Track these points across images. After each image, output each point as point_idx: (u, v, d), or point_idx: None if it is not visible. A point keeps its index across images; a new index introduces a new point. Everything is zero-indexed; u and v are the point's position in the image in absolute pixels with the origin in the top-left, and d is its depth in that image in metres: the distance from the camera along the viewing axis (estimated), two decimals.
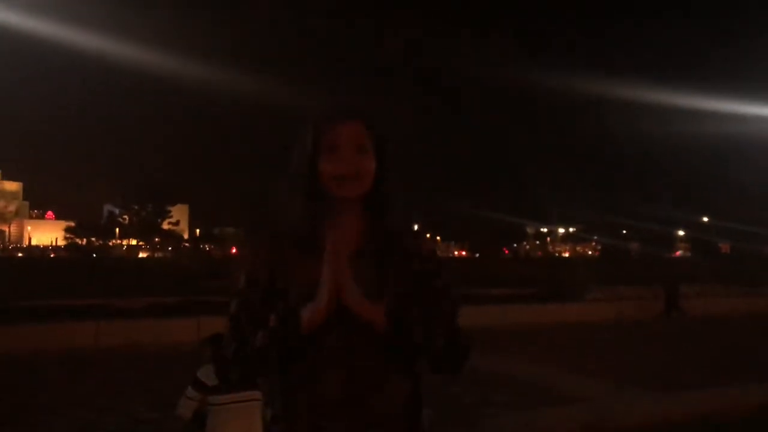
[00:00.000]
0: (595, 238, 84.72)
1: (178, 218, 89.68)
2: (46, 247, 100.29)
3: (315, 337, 1.38)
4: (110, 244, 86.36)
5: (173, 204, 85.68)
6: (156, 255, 77.91)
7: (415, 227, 1.60)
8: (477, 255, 72.89)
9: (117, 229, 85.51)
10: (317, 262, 1.42)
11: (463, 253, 74.59)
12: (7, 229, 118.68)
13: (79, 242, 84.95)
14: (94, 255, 58.28)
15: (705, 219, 77.49)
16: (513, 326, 11.92)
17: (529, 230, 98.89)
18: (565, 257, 67.74)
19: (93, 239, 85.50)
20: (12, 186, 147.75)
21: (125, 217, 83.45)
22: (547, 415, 5.54)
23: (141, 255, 78.27)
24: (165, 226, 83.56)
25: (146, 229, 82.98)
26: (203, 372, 3.80)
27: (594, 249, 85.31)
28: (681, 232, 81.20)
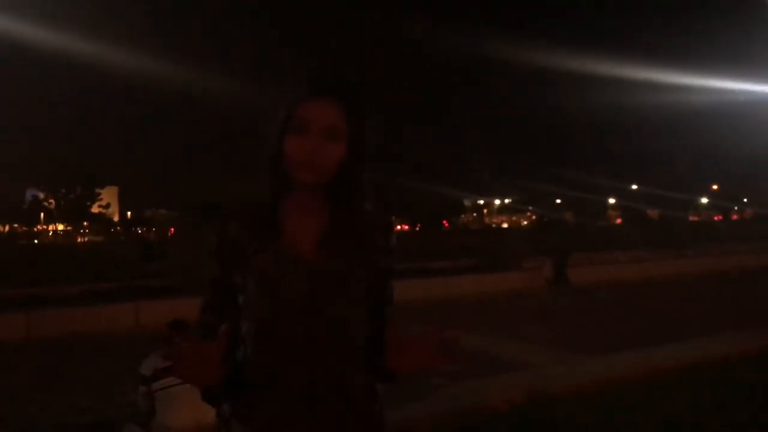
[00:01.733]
0: (530, 208, 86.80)
1: (108, 201, 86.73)
2: None
3: (277, 328, 1.35)
4: (35, 230, 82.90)
5: (102, 186, 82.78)
6: (86, 240, 75.33)
7: (387, 217, 1.50)
8: (417, 228, 73.57)
9: (42, 214, 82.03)
10: (274, 251, 1.37)
11: (405, 227, 75.09)
12: None
13: (1, 229, 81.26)
14: (24, 242, 55.88)
15: (634, 187, 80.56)
16: (455, 297, 12.14)
17: (467, 203, 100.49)
18: (502, 228, 69.18)
19: (16, 225, 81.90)
20: None
21: (51, 201, 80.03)
22: (492, 382, 5.67)
23: (71, 240, 75.48)
24: (95, 209, 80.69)
25: (75, 213, 79.84)
26: (144, 365, 3.77)
27: (530, 219, 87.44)
28: (612, 200, 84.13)
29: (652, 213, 67.87)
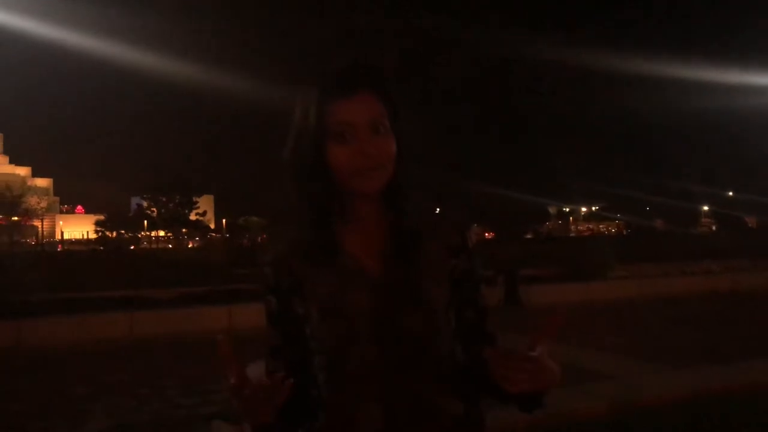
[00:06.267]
0: (619, 216, 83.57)
1: (204, 209, 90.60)
2: (79, 241, 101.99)
3: (348, 355, 1.20)
4: (139, 236, 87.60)
5: (200, 195, 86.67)
6: (185, 245, 78.82)
7: (461, 214, 1.30)
8: (499, 236, 72.55)
9: (145, 222, 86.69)
10: (336, 275, 1.22)
11: (489, 235, 74.12)
12: (39, 225, 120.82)
13: (109, 235, 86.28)
14: (132, 247, 59.17)
15: (730, 193, 75.93)
16: (536, 306, 11.93)
17: (551, 210, 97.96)
18: (588, 236, 67.03)
19: (122, 232, 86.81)
20: (43, 182, 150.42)
21: (153, 209, 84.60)
22: (574, 392, 5.59)
23: (170, 246, 79.22)
24: (192, 217, 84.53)
25: (174, 221, 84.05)
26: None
27: (618, 227, 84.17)
28: (705, 207, 79.69)
29: (751, 221, 63.65)
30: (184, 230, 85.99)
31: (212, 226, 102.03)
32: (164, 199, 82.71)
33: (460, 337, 1.26)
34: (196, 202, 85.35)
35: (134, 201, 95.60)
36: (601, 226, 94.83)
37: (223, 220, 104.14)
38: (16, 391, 6.67)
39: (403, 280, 1.22)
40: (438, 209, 1.33)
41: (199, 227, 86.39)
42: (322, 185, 1.21)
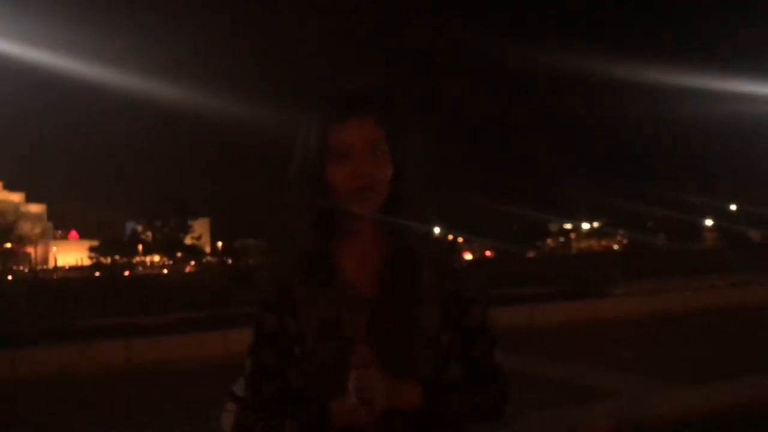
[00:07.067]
0: (621, 232, 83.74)
1: (200, 233, 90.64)
2: (73, 267, 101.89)
3: (342, 375, 1.22)
4: (134, 261, 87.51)
5: (195, 218, 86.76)
6: (180, 270, 78.74)
7: (448, 238, 1.35)
8: (486, 254, 72.64)
9: (140, 246, 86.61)
10: (331, 294, 1.25)
11: (488, 253, 74.24)
12: (33, 251, 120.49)
13: (104, 261, 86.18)
14: (127, 272, 59.17)
15: (733, 207, 75.98)
16: (541, 325, 11.84)
17: (552, 227, 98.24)
18: (590, 253, 67.16)
19: (117, 257, 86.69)
20: (36, 208, 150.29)
21: (148, 233, 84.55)
22: (581, 410, 5.49)
23: (164, 271, 79.13)
24: (188, 241, 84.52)
25: (169, 245, 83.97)
26: (238, 386, 3.86)
27: (619, 243, 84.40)
28: (708, 222, 79.85)
29: (755, 235, 63.89)
30: (179, 254, 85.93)
31: (207, 249, 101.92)
32: (159, 223, 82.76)
33: (451, 358, 1.30)
34: (191, 226, 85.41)
35: (129, 225, 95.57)
36: (602, 242, 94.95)
37: (218, 243, 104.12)
38: (11, 420, 6.58)
39: (398, 306, 1.26)
40: (431, 231, 1.38)
41: (194, 251, 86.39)
42: (323, 204, 1.26)
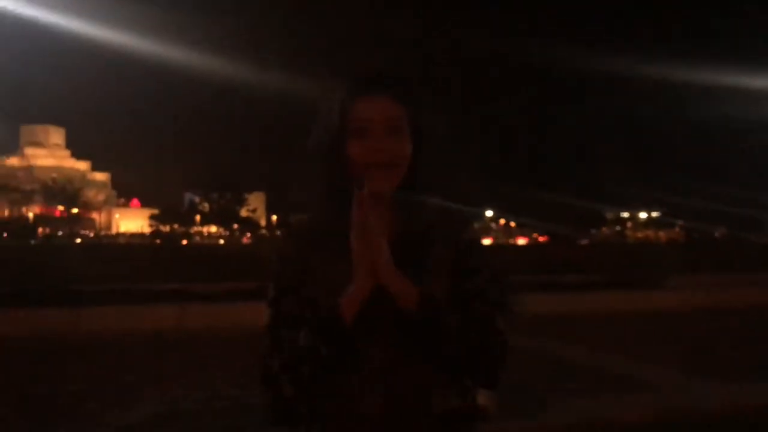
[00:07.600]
0: (679, 222, 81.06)
1: (255, 206, 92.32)
2: (134, 234, 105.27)
3: (354, 346, 1.24)
4: (192, 231, 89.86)
5: (250, 192, 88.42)
6: (236, 241, 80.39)
7: (468, 214, 1.37)
8: (549, 240, 71.39)
9: (198, 217, 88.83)
10: (344, 266, 1.26)
11: (541, 239, 73.06)
12: (97, 217, 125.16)
13: (163, 229, 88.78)
14: (185, 241, 60.84)
15: None
16: (587, 314, 11.72)
17: (609, 215, 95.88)
18: (646, 243, 65.27)
19: (176, 226, 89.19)
20: (101, 176, 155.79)
21: (205, 204, 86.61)
22: (619, 400, 5.50)
23: (221, 241, 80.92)
24: (243, 213, 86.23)
25: (225, 217, 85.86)
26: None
27: (678, 235, 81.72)
28: None
29: None
30: (235, 226, 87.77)
31: (263, 223, 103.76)
32: (216, 195, 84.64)
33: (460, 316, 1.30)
34: (247, 199, 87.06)
35: (187, 196, 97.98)
36: (660, 233, 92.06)
37: (273, 217, 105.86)
38: (72, 373, 6.94)
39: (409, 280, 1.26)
40: (448, 208, 1.38)
41: (249, 224, 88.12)
42: (341, 176, 1.29)
